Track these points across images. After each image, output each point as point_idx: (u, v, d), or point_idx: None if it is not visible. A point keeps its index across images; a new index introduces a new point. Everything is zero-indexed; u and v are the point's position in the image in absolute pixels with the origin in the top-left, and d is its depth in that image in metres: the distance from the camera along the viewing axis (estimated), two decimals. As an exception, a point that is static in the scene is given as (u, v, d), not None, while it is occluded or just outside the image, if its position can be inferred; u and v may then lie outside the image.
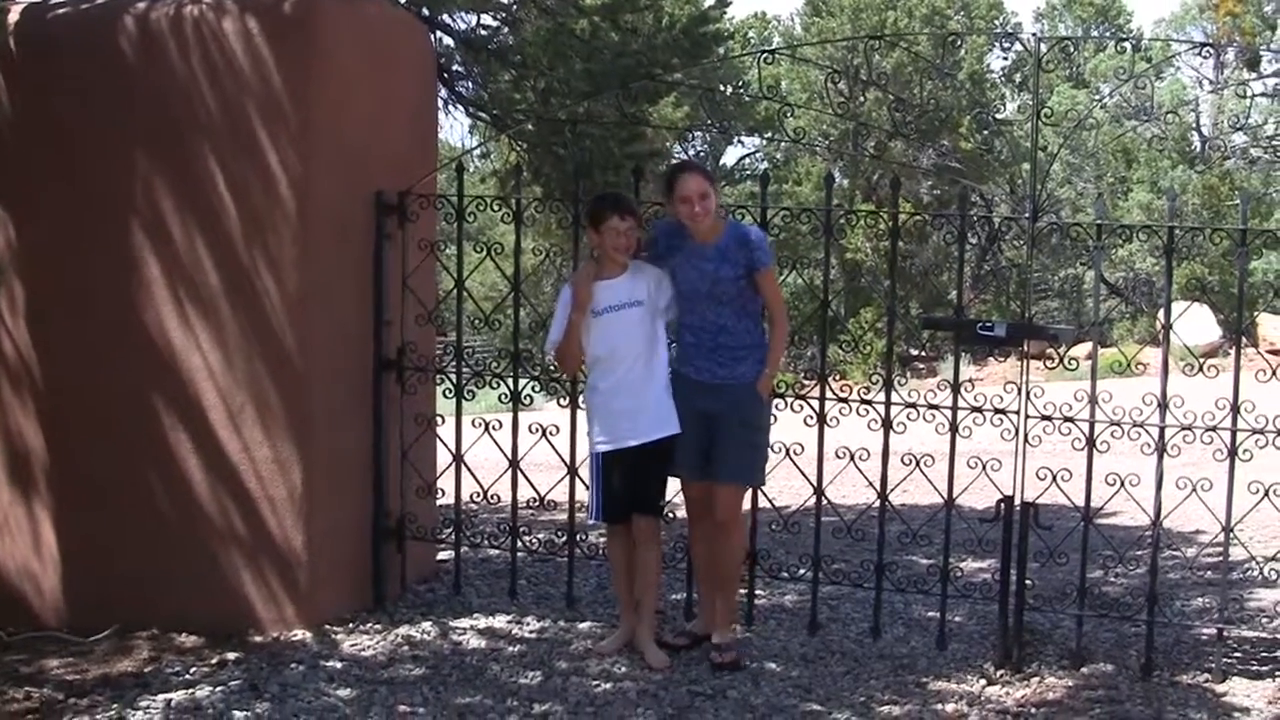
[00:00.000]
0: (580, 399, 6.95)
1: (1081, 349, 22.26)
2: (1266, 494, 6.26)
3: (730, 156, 47.40)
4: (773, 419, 6.53)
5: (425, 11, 10.78)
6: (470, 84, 12.11)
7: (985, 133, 40.66)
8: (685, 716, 5.86)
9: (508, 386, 7.29)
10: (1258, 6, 42.08)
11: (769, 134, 39.33)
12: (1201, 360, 6.44)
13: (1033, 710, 5.98)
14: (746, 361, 6.33)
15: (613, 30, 11.51)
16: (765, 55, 7.40)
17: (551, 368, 7.40)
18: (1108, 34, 49.71)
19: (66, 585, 7.12)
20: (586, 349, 6.47)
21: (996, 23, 45.92)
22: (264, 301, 6.71)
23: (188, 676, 6.20)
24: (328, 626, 6.89)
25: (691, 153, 43.23)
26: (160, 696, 5.91)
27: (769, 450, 6.52)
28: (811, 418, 6.82)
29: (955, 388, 6.64)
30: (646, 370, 6.38)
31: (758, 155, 49.38)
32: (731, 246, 6.29)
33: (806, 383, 6.97)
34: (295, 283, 6.69)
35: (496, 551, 7.96)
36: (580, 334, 6.43)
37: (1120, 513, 7.77)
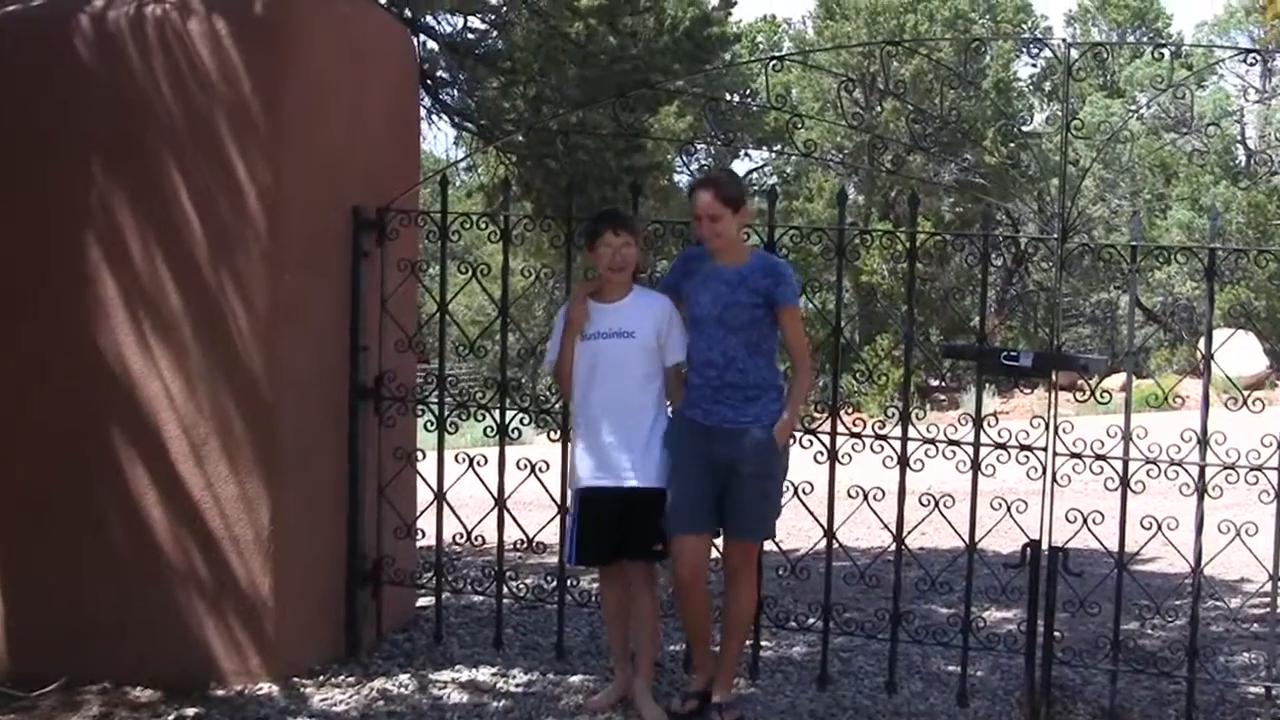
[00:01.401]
0: (572, 431, 6.93)
1: (1115, 380, 22.27)
2: (1316, 539, 6.26)
3: (736, 170, 47.46)
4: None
5: (407, 13, 10.81)
6: (456, 91, 12.13)
7: (1012, 146, 40.69)
8: (684, 778, 5.84)
9: (494, 419, 7.29)
10: (1308, 11, 42.13)
11: (778, 147, 39.40)
12: (1246, 393, 6.43)
13: (1062, 773, 5.97)
14: (759, 402, 6.27)
15: (610, 34, 11.55)
16: (774, 62, 7.40)
17: (543, 398, 7.40)
18: (1144, 39, 49.80)
19: (9, 633, 7.08)
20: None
21: (1024, 27, 46.07)
22: (230, 324, 6.69)
23: (143, 733, 6.17)
24: (296, 679, 6.85)
25: (695, 167, 43.29)
26: (113, 755, 5.89)
27: (781, 498, 6.49)
28: (822, 454, 6.79)
29: (977, 422, 6.62)
30: (633, 408, 6.36)
31: (766, 169, 49.47)
32: (754, 275, 6.27)
33: (817, 416, 6.95)
34: (265, 304, 6.67)
35: (481, 598, 7.94)
36: (571, 356, 6.46)
37: (1157, 559, 7.76)
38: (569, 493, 6.59)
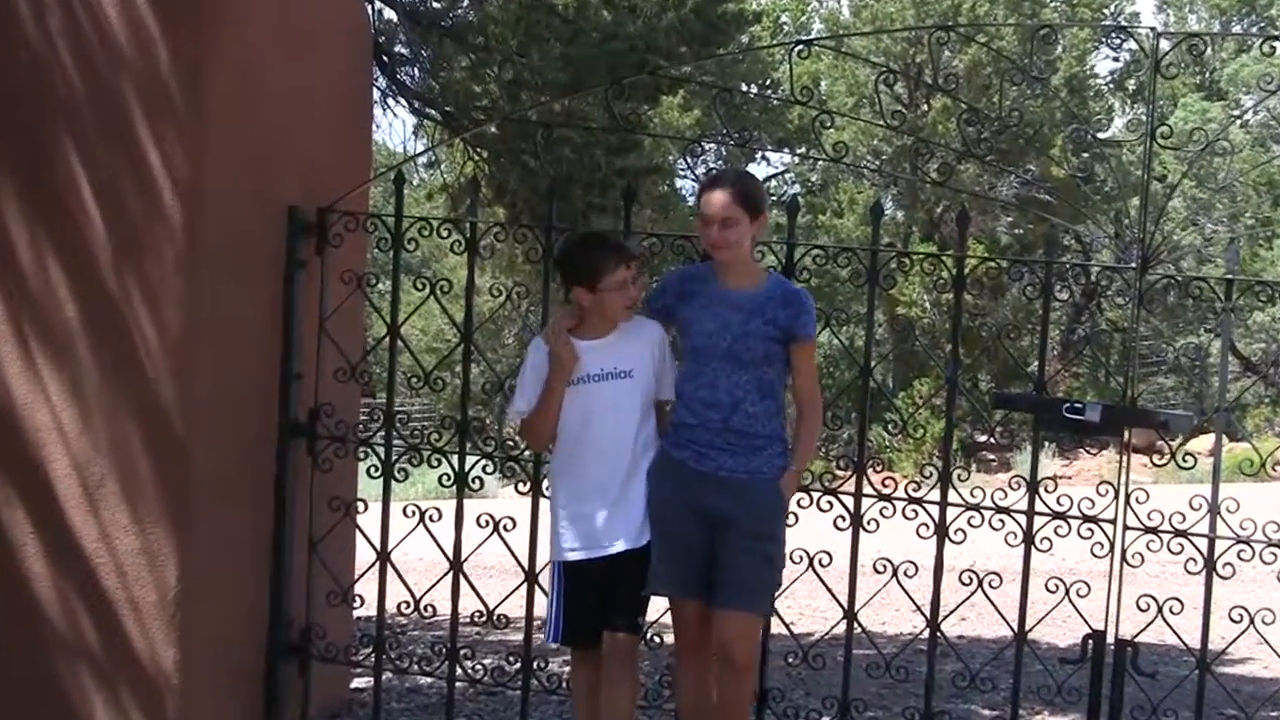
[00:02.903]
0: (545, 485, 6.90)
1: (1202, 442, 22.28)
2: None
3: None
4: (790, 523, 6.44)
5: (361, -25, 10.82)
6: (416, 71, 12.15)
7: (1085, 156, 40.80)
8: None
9: (451, 465, 7.27)
10: None
11: (802, 149, 39.48)
12: (1362, 461, 6.43)
13: None
14: (763, 454, 6.21)
15: (603, 7, 11.57)
16: (800, 47, 7.41)
17: (510, 442, 7.37)
18: (1253, 29, 49.94)
19: None
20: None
21: (1105, 13, 46.13)
22: (137, 344, 6.68)
23: (15, 833, 6.16)
24: (202, 772, 6.85)
25: (701, 170, 43.38)
26: None
27: (784, 566, 6.40)
28: (844, 519, 6.77)
29: (1032, 486, 6.61)
30: (631, 461, 6.29)
31: (787, 176, 49.60)
32: (771, 303, 6.22)
33: (839, 473, 6.91)
34: (179, 321, 6.66)
35: (429, 679, 7.93)
36: (560, 405, 6.33)
37: (1250, 660, 7.77)
38: (552, 564, 6.46)
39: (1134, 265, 6.60)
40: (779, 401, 6.33)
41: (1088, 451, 27.39)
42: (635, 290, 6.30)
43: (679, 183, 41.69)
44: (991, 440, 33.58)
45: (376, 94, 10.73)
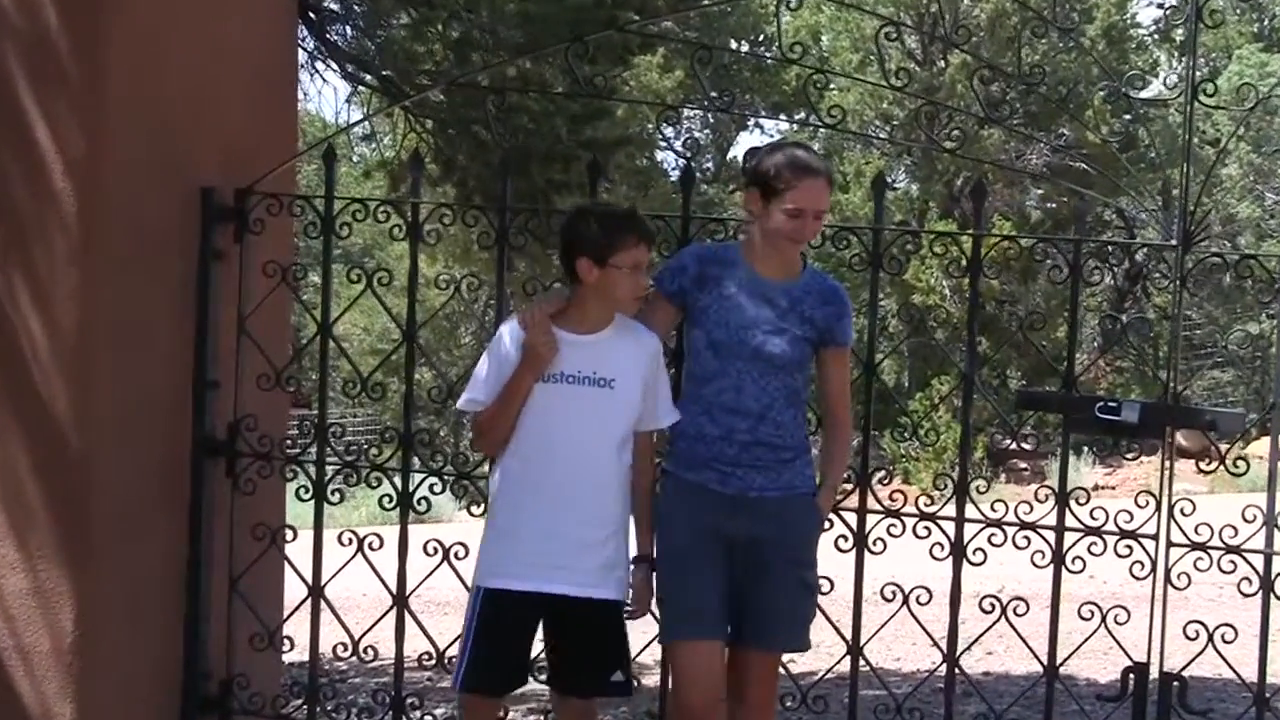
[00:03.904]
0: (493, 502, 6.71)
1: (1259, 445, 22.28)
2: None
3: (741, 146, 47.48)
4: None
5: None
6: (349, 30, 12.13)
7: (1126, 118, 40.80)
8: None
9: (394, 485, 7.25)
10: None
11: (798, 115, 39.47)
12: None
13: None
14: (792, 468, 6.14)
15: (566, -45, 11.55)
16: (793, -4, 7.39)
17: (463, 457, 7.31)
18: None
19: None
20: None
21: (1145, -47, 46.25)
22: (24, 349, 6.66)
23: None
24: (109, 845, 6.82)
25: (681, 142, 43.37)
26: None
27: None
28: (847, 539, 6.73)
29: (1061, 498, 6.56)
30: (596, 484, 6.04)
31: (784, 146, 49.55)
32: (809, 298, 6.14)
33: (842, 486, 6.84)
34: (73, 322, 6.64)
35: (371, 733, 7.92)
36: (522, 403, 6.05)
37: (1315, 693, 7.77)
38: (473, 588, 6.24)
39: (1174, 243, 6.53)
40: (803, 411, 6.29)
41: (1125, 458, 27.46)
42: (645, 281, 6.08)
43: (659, 155, 41.65)
44: (1021, 447, 33.62)
45: (303, 57, 10.72)
